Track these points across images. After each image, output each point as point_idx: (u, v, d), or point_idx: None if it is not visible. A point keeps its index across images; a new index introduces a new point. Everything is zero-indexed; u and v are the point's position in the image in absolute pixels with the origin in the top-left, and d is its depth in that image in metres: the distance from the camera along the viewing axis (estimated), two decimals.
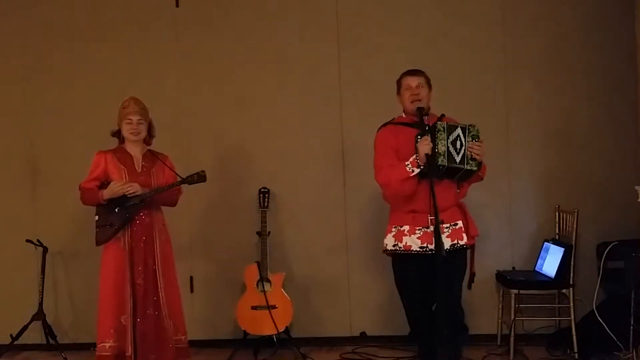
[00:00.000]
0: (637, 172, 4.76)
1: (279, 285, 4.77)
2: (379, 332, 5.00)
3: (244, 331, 4.77)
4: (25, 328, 4.80)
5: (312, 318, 5.02)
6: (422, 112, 3.62)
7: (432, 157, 3.48)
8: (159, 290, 4.00)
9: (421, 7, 5.02)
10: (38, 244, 4.95)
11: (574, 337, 4.46)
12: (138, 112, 4.03)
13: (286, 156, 5.07)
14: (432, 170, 3.50)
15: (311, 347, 4.86)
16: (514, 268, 4.88)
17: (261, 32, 5.11)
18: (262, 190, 4.94)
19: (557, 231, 4.80)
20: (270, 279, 4.75)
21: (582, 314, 4.64)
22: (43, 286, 4.90)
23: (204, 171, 4.00)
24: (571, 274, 4.48)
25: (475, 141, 3.56)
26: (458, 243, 3.62)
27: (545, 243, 4.76)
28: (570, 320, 4.50)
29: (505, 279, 4.64)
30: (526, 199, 4.95)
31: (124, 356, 3.91)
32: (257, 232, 4.86)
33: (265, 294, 4.70)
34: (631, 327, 4.34)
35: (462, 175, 3.60)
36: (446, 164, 3.50)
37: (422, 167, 3.50)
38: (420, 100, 3.66)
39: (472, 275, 3.76)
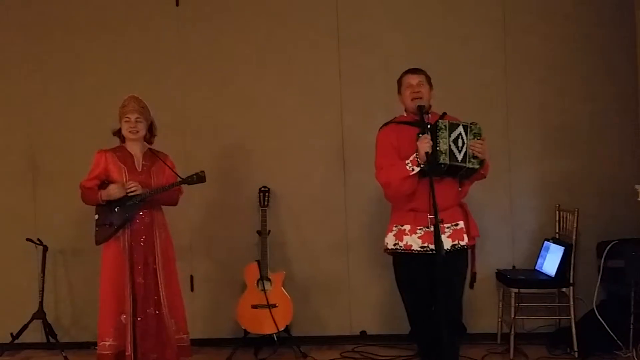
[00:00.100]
0: (638, 171, 4.76)
1: (279, 284, 4.77)
2: (379, 331, 5.01)
3: (245, 330, 4.77)
4: (25, 327, 4.80)
5: (313, 317, 5.02)
6: (422, 110, 3.62)
7: (432, 155, 3.48)
8: (160, 289, 4.00)
9: (421, 5, 5.02)
10: (38, 242, 4.95)
11: (574, 336, 4.47)
12: (137, 111, 4.02)
13: (286, 155, 5.07)
14: (433, 169, 3.50)
15: (311, 346, 4.87)
16: (514, 267, 4.89)
17: (261, 30, 5.11)
18: (263, 189, 4.94)
19: (557, 230, 4.80)
20: (270, 277, 4.75)
21: (582, 313, 4.65)
22: (43, 285, 4.90)
23: (203, 172, 3.99)
24: (571, 273, 4.48)
25: (477, 139, 3.56)
26: (459, 243, 3.62)
27: (546, 242, 4.77)
28: (570, 319, 4.50)
29: (505, 277, 4.64)
30: (526, 198, 4.95)
31: (124, 355, 3.92)
32: (258, 231, 4.87)
33: (265, 292, 4.70)
34: (631, 326, 4.35)
35: (464, 173, 3.60)
36: (448, 162, 3.50)
37: (422, 166, 3.50)
38: (421, 99, 3.66)
39: (474, 275, 3.76)
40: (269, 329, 4.69)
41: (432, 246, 3.54)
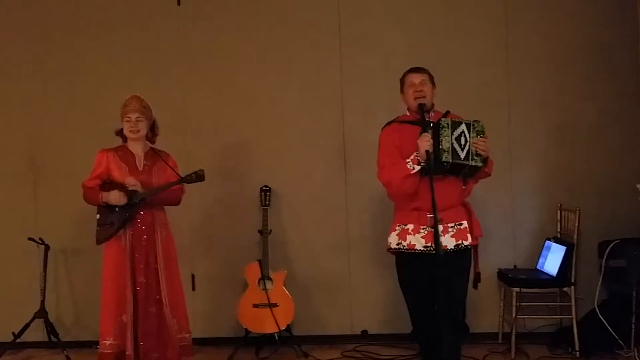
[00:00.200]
0: (639, 170, 4.75)
1: (281, 283, 4.77)
2: (381, 330, 5.00)
3: (246, 329, 4.77)
4: (27, 326, 4.81)
5: (314, 316, 5.02)
6: (422, 108, 3.60)
7: (433, 154, 3.47)
8: (162, 288, 4.01)
9: (423, 4, 5.02)
10: (40, 242, 4.96)
11: (576, 335, 4.46)
12: (138, 110, 4.02)
13: (288, 154, 5.07)
14: (434, 167, 3.50)
15: (312, 345, 4.87)
16: (515, 266, 4.88)
17: (262, 29, 5.10)
18: (264, 188, 4.94)
19: (558, 229, 4.80)
20: (271, 277, 4.76)
21: (584, 313, 4.64)
22: (45, 284, 4.91)
23: (202, 170, 3.99)
24: (573, 273, 4.48)
25: (480, 137, 3.54)
26: (462, 243, 3.60)
27: (547, 241, 4.76)
28: (571, 318, 4.50)
29: (506, 277, 4.64)
30: (528, 197, 4.95)
31: (125, 354, 3.92)
32: (259, 230, 4.87)
33: (266, 292, 4.71)
34: (633, 325, 4.34)
35: (467, 171, 3.58)
36: (450, 161, 3.49)
37: (422, 164, 3.50)
38: (424, 97, 3.65)
39: (478, 274, 3.75)
40: (270, 328, 4.69)
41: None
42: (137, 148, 4.11)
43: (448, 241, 3.58)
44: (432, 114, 3.71)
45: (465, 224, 3.63)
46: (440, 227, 3.58)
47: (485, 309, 4.84)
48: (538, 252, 4.81)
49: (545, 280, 4.56)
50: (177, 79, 5.12)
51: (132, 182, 3.96)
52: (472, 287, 3.74)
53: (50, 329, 4.90)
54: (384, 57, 4.96)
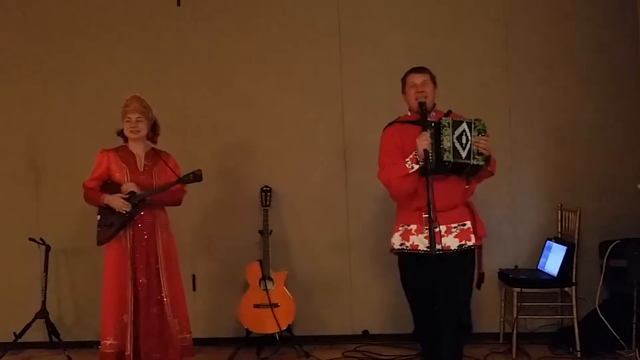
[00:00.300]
0: None
1: (281, 284, 4.77)
2: (382, 330, 5.00)
3: (247, 329, 4.77)
4: (28, 326, 4.81)
5: (315, 316, 5.02)
6: (422, 106, 3.60)
7: (433, 153, 3.47)
8: (163, 288, 4.01)
9: (422, 4, 5.02)
10: (41, 242, 4.96)
11: (577, 335, 4.46)
12: (138, 110, 4.02)
13: (288, 154, 5.07)
14: (436, 167, 3.49)
15: (313, 346, 4.87)
16: (516, 266, 4.87)
17: (262, 29, 5.11)
18: (264, 188, 4.94)
19: (559, 229, 4.79)
20: (272, 277, 4.76)
21: (585, 313, 4.64)
22: (46, 284, 4.91)
23: (199, 170, 3.99)
24: (574, 273, 4.47)
25: (482, 135, 3.54)
26: (466, 244, 3.60)
27: (548, 241, 4.76)
28: (572, 318, 4.49)
29: (507, 277, 4.64)
30: (528, 197, 4.95)
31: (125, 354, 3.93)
32: (259, 231, 4.87)
33: (267, 292, 4.71)
34: (634, 325, 4.34)
35: (469, 170, 3.58)
36: (452, 160, 3.48)
37: (420, 164, 3.49)
38: (426, 98, 3.65)
39: (481, 275, 3.75)
40: (271, 328, 4.69)
41: (438, 246, 3.53)
42: (138, 148, 4.11)
43: (451, 241, 3.58)
44: (434, 113, 3.71)
45: (468, 224, 3.62)
46: (444, 228, 3.58)
47: (486, 309, 4.83)
48: (539, 252, 4.80)
49: (546, 280, 4.55)
50: (177, 79, 5.12)
51: (125, 190, 3.96)
52: (477, 288, 3.74)
53: (52, 329, 4.91)
54: (384, 58, 4.96)
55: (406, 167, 3.54)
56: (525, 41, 4.93)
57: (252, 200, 5.00)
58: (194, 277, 5.09)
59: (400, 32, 5.00)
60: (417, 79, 3.69)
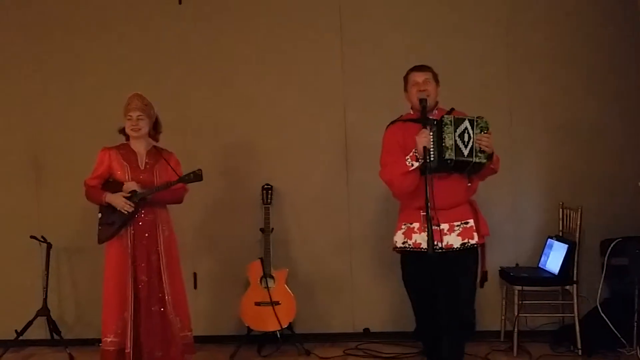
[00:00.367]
0: None
1: (283, 282, 4.78)
2: (383, 328, 5.01)
3: (248, 327, 4.78)
4: (30, 324, 4.82)
5: (316, 314, 5.03)
6: (423, 103, 3.59)
7: (435, 151, 3.47)
8: (164, 286, 4.01)
9: (424, 3, 5.02)
10: (42, 240, 4.97)
11: (578, 333, 4.46)
12: (138, 108, 4.03)
13: (289, 152, 5.07)
14: (438, 165, 3.49)
15: (315, 343, 4.87)
16: (517, 264, 4.88)
17: (264, 28, 5.10)
18: (266, 186, 4.95)
19: (560, 228, 4.80)
20: (273, 275, 4.76)
21: (586, 311, 4.63)
22: (47, 282, 4.92)
23: (200, 170, 3.99)
24: (575, 271, 4.47)
25: (484, 133, 3.53)
26: (468, 242, 3.59)
27: (549, 239, 4.76)
28: (574, 316, 4.49)
29: (508, 275, 4.64)
30: (530, 196, 4.95)
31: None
32: (261, 229, 4.87)
33: (268, 290, 4.71)
34: (635, 323, 4.35)
35: (471, 168, 3.57)
36: (454, 158, 3.48)
37: (420, 161, 3.49)
38: (428, 97, 3.64)
39: (484, 274, 3.74)
40: (272, 326, 4.70)
41: (441, 244, 3.54)
42: (140, 146, 4.11)
43: (454, 240, 3.58)
44: (436, 111, 3.70)
45: (471, 222, 3.62)
46: (446, 226, 3.58)
47: (487, 307, 4.83)
48: (540, 250, 4.80)
49: (547, 278, 4.56)
50: (178, 78, 5.12)
51: (127, 189, 3.96)
52: (480, 287, 3.74)
53: (53, 326, 4.91)
54: (385, 57, 4.96)
55: (406, 164, 3.54)
56: (526, 40, 4.93)
57: (254, 198, 5.00)
58: (195, 275, 5.09)
59: (402, 31, 5.00)
60: (419, 77, 3.69)
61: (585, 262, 4.64)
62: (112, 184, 4.06)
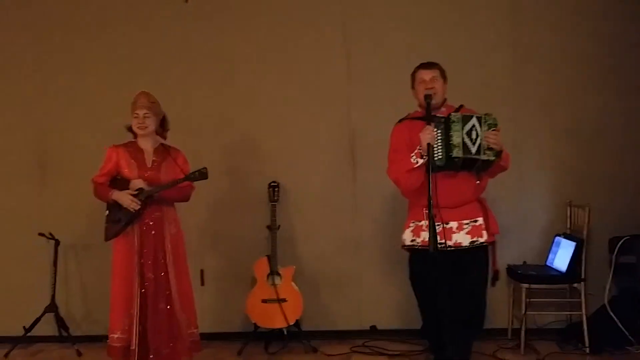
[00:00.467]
0: None
1: (289, 279, 4.78)
2: (389, 325, 5.00)
3: (255, 324, 4.78)
4: (38, 320, 4.84)
5: (322, 311, 5.03)
6: (428, 99, 3.58)
7: (443, 148, 3.45)
8: (171, 284, 4.02)
9: (427, 0, 5.00)
10: (50, 237, 4.99)
11: (585, 331, 4.44)
12: (145, 106, 4.03)
13: (296, 150, 5.07)
14: (444, 163, 3.48)
15: (321, 340, 4.87)
16: (525, 262, 4.86)
17: (269, 26, 5.10)
18: (272, 184, 4.95)
19: (568, 225, 4.78)
20: (280, 272, 4.76)
21: (594, 309, 4.62)
22: (55, 279, 4.94)
23: (205, 168, 3.99)
24: (583, 269, 4.45)
25: (492, 130, 3.51)
26: (478, 240, 3.58)
27: (557, 237, 4.74)
28: (581, 314, 4.47)
29: (516, 273, 4.63)
30: (537, 193, 4.93)
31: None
32: (267, 226, 4.87)
33: (275, 287, 4.71)
34: None
35: (480, 166, 3.55)
36: (461, 156, 3.46)
37: (424, 157, 3.47)
38: (435, 94, 3.63)
39: (496, 272, 3.74)
40: (279, 323, 4.70)
41: (449, 243, 3.53)
42: (147, 144, 4.12)
43: (463, 238, 3.57)
44: (444, 109, 3.69)
45: (480, 220, 3.61)
46: (455, 224, 3.57)
47: (494, 305, 4.80)
48: (548, 248, 4.79)
49: (554, 276, 4.54)
50: (181, 77, 5.11)
51: (134, 187, 3.97)
52: (492, 285, 3.73)
53: (61, 323, 4.93)
54: (388, 55, 4.95)
55: (411, 161, 3.53)
56: (529, 38, 4.91)
57: (260, 196, 5.01)
58: (202, 272, 5.10)
59: (405, 28, 4.99)
60: (427, 74, 3.68)
61: (593, 260, 4.62)
62: (120, 182, 4.07)
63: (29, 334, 4.87)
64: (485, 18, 4.93)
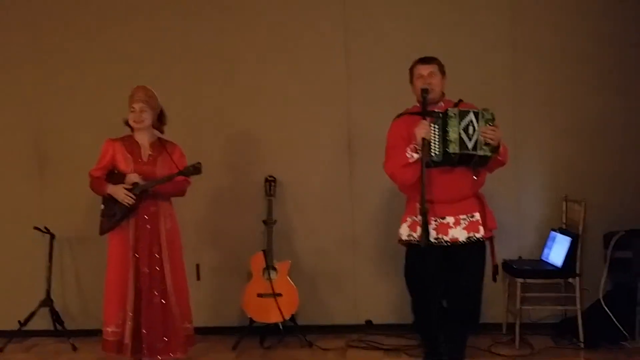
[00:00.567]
0: None
1: (285, 273, 4.78)
2: (385, 320, 5.01)
3: (250, 318, 4.78)
4: (33, 314, 4.83)
5: (318, 306, 5.03)
6: (424, 93, 3.57)
7: (440, 144, 3.45)
8: (166, 278, 4.02)
9: None
10: (45, 231, 4.97)
11: (580, 326, 4.46)
12: (141, 100, 4.02)
13: (293, 144, 5.06)
14: (443, 159, 3.48)
15: (317, 335, 4.87)
16: (520, 257, 4.87)
17: (269, 21, 5.08)
18: (269, 178, 4.94)
19: (564, 220, 4.79)
20: (276, 266, 4.76)
21: (589, 304, 4.63)
22: (50, 273, 4.93)
23: (199, 163, 3.99)
24: (578, 264, 4.47)
25: (489, 125, 3.51)
26: (474, 236, 3.58)
27: (552, 232, 4.75)
28: (576, 309, 4.49)
29: (511, 267, 4.64)
30: (533, 188, 4.94)
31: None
32: (264, 220, 4.87)
33: (271, 281, 4.71)
34: (637, 316, 4.36)
35: (477, 161, 3.55)
36: (458, 152, 3.46)
37: (419, 152, 3.47)
38: (433, 90, 3.62)
39: (496, 267, 3.74)
40: (274, 317, 4.70)
41: (446, 238, 3.53)
42: (143, 138, 4.11)
43: (459, 233, 3.57)
44: (442, 103, 3.68)
45: (477, 216, 3.60)
46: (452, 219, 3.57)
47: (489, 299, 4.79)
48: (543, 243, 4.80)
49: (550, 271, 4.55)
50: (182, 71, 5.09)
51: (129, 181, 3.97)
52: (493, 281, 3.73)
53: (56, 317, 4.93)
54: (389, 50, 4.94)
55: (406, 156, 3.53)
56: (529, 35, 4.90)
57: (257, 190, 5.00)
58: (198, 266, 5.09)
59: (406, 25, 4.97)
60: (424, 70, 3.67)
61: (588, 255, 4.64)
62: (117, 176, 4.07)
63: (24, 328, 4.86)
64: (486, 15, 4.92)
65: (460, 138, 3.45)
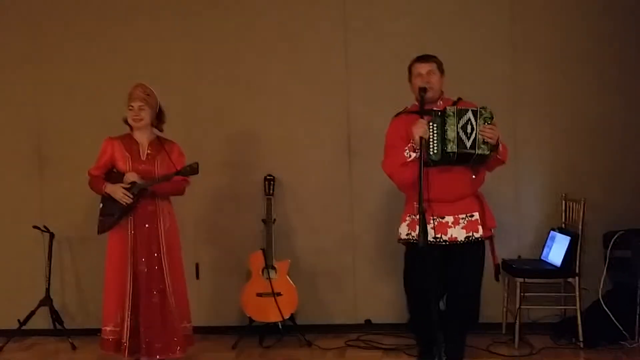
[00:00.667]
0: None
1: (284, 273, 4.77)
2: (384, 319, 5.00)
3: (250, 318, 4.78)
4: (32, 313, 4.83)
5: (318, 305, 5.03)
6: (422, 91, 3.56)
7: (438, 143, 3.44)
8: (164, 278, 4.02)
9: None
10: (45, 229, 4.98)
11: (580, 326, 4.45)
12: (140, 98, 4.02)
13: (292, 143, 5.06)
14: (441, 158, 3.48)
15: (316, 334, 4.87)
16: (519, 256, 4.87)
17: (268, 18, 5.09)
18: (268, 177, 4.94)
19: (563, 220, 4.78)
20: (275, 266, 4.76)
21: (588, 303, 4.61)
22: (50, 272, 4.93)
23: (196, 163, 3.98)
24: (577, 263, 4.46)
25: (488, 124, 3.50)
26: (473, 235, 3.58)
27: (552, 232, 4.74)
28: (576, 309, 4.47)
29: (510, 267, 4.63)
30: (532, 187, 4.93)
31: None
32: (263, 220, 4.87)
33: (270, 281, 4.71)
34: (637, 316, 4.35)
35: (475, 160, 3.54)
36: (456, 150, 3.45)
37: (417, 151, 3.47)
38: (431, 89, 3.62)
39: (497, 266, 3.73)
40: (273, 317, 4.70)
41: (445, 237, 3.53)
42: (142, 137, 4.11)
43: (458, 233, 3.57)
44: (441, 102, 3.68)
45: (476, 215, 3.60)
46: (451, 218, 3.57)
47: (488, 299, 4.78)
48: (542, 242, 4.79)
49: (549, 270, 4.54)
50: (182, 68, 5.10)
51: (127, 180, 3.97)
52: (495, 280, 3.73)
53: (55, 316, 4.92)
54: (389, 47, 4.94)
55: (404, 155, 3.53)
56: (530, 31, 4.89)
57: (256, 189, 5.00)
58: (197, 265, 5.09)
59: (406, 21, 4.97)
60: (423, 68, 3.67)
61: (587, 254, 4.62)
62: (115, 175, 4.06)
63: (23, 327, 4.86)
64: (486, 11, 4.92)
65: (459, 137, 3.45)
